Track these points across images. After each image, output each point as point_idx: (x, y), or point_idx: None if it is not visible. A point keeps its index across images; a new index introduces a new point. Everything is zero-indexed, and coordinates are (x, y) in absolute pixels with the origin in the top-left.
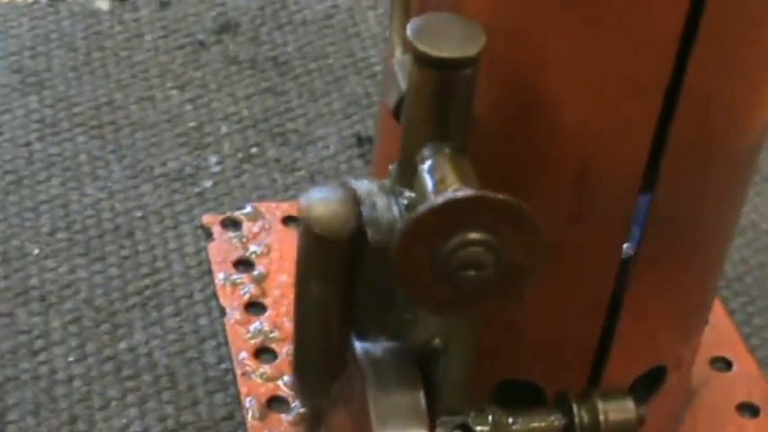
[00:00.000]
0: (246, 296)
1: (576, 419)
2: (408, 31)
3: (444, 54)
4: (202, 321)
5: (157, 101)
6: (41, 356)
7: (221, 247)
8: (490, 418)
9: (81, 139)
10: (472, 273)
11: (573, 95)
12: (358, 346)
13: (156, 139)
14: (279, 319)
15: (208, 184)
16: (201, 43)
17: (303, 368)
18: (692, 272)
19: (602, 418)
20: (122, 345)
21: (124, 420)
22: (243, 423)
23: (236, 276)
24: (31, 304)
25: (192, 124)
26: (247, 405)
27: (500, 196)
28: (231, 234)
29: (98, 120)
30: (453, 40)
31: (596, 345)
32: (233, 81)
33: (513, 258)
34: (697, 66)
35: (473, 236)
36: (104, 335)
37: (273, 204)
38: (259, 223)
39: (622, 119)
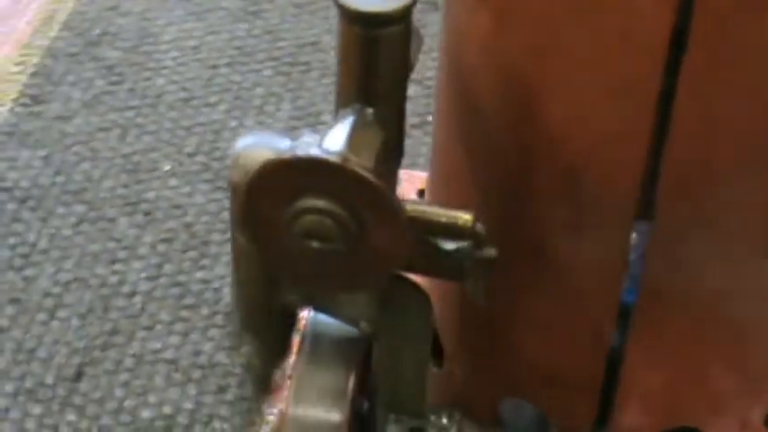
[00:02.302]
0: None
1: None
2: None
3: (365, 9)
4: None
5: None
6: (117, 266)
7: None
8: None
9: (267, 73)
10: (316, 243)
11: (564, 97)
12: (311, 316)
13: None
14: None
15: None
16: (435, 4)
17: (240, 313)
18: (713, 318)
19: None
20: (198, 274)
21: (159, 345)
22: None
23: None
24: (136, 215)
25: None
26: None
27: (356, 168)
28: None
29: (294, 58)
30: None
31: (602, 378)
32: None
33: (369, 239)
34: (690, 72)
35: (318, 203)
36: (187, 261)
37: (417, 174)
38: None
39: (615, 126)
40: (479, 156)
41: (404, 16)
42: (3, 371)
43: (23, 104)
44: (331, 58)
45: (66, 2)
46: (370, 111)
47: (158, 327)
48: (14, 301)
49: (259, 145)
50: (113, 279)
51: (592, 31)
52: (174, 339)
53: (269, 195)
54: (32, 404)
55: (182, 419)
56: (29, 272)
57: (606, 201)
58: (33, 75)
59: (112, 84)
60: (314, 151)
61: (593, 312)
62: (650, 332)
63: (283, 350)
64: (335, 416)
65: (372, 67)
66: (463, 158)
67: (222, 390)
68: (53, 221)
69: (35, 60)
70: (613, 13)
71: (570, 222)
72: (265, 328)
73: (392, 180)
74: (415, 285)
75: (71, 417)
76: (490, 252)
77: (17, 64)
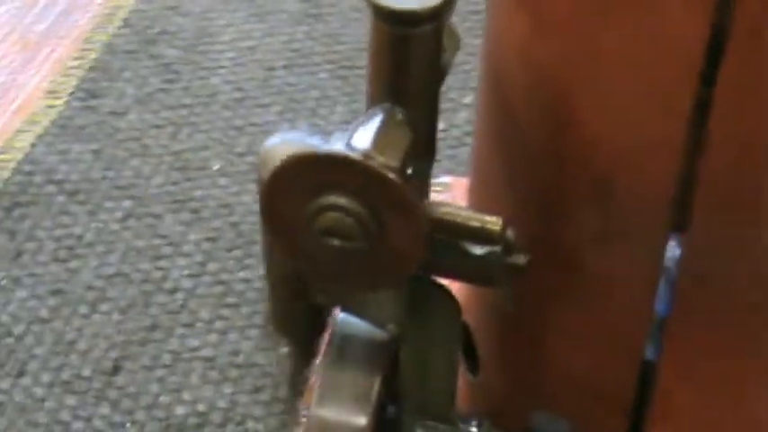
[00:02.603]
0: None
1: None
2: None
3: (396, 7)
4: None
5: None
6: (161, 262)
7: None
8: None
9: (323, 75)
10: (336, 241)
11: (597, 104)
12: (340, 317)
13: None
14: None
15: None
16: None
17: (272, 313)
18: (749, 337)
19: None
20: (241, 274)
21: (198, 342)
22: None
23: None
24: (183, 213)
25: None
26: None
27: (378, 167)
28: None
29: (351, 62)
30: None
31: (633, 393)
32: None
33: (388, 238)
34: (727, 82)
35: (339, 200)
36: (231, 260)
37: (465, 181)
38: (445, 195)
39: (648, 136)
40: (514, 163)
41: (435, 15)
42: (41, 361)
43: (79, 98)
44: None
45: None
46: (399, 111)
47: (198, 324)
48: (57, 292)
49: (287, 142)
50: (156, 275)
51: (624, 37)
52: (213, 338)
53: (290, 191)
54: (68, 395)
55: (215, 417)
56: (73, 264)
57: (639, 211)
58: (91, 69)
59: (167, 81)
60: (337, 148)
61: (626, 324)
62: (684, 348)
63: (315, 351)
64: (360, 419)
65: (403, 66)
66: (499, 166)
67: (258, 390)
68: (100, 215)
69: (94, 56)
70: (646, 18)
71: (603, 232)
72: (297, 328)
73: (423, 181)
74: (443, 289)
75: (105, 410)
76: (520, 259)
77: (76, 58)
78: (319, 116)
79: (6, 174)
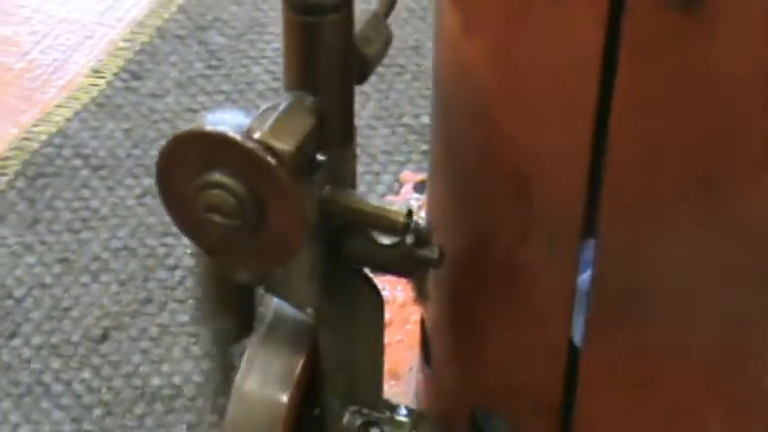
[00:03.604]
0: None
1: None
2: None
3: None
4: None
5: None
6: (168, 239)
7: None
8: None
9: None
10: (217, 218)
11: (516, 105)
12: (276, 302)
13: (428, 93)
14: None
15: None
16: None
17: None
18: (666, 356)
19: None
20: None
21: (186, 318)
22: None
23: None
24: None
25: None
26: None
27: (255, 148)
28: (415, 196)
29: (391, 60)
30: None
31: (560, 396)
32: None
33: (268, 220)
34: (623, 91)
35: (220, 179)
36: None
37: None
38: None
39: (557, 138)
40: (450, 160)
41: (342, 5)
42: (35, 324)
43: (122, 79)
44: (427, 63)
45: None
46: (309, 98)
47: (190, 301)
48: (63, 260)
49: (212, 121)
50: (161, 251)
51: (535, 39)
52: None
53: (181, 166)
54: (53, 358)
55: (188, 391)
56: (84, 235)
57: (553, 211)
58: (139, 52)
59: (210, 68)
60: (222, 128)
61: (549, 324)
62: (606, 349)
63: (246, 330)
64: (281, 396)
65: (312, 54)
66: (440, 163)
67: (234, 368)
68: (119, 191)
69: (144, 39)
70: (553, 22)
71: (523, 232)
72: (225, 306)
73: (343, 167)
74: (365, 278)
75: (86, 375)
76: (432, 252)
77: (126, 40)
78: None
79: (36, 145)
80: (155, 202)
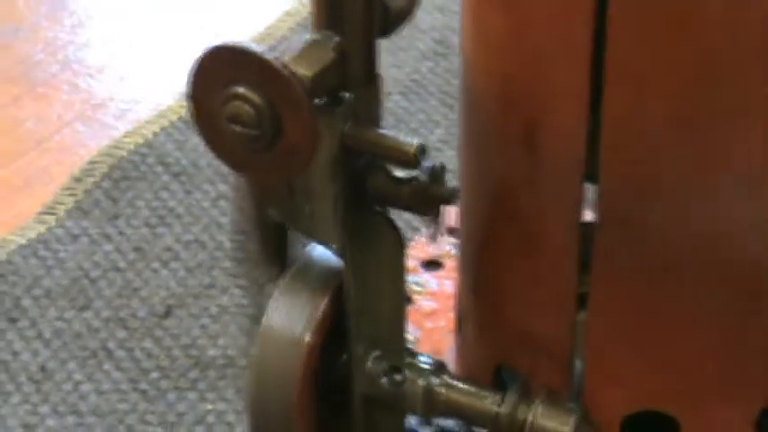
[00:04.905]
0: None
1: (505, 410)
2: None
3: None
4: None
5: None
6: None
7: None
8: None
9: (433, 102)
10: (238, 128)
11: (523, 52)
12: (312, 246)
13: None
14: None
15: None
16: None
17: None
18: (677, 295)
19: (530, 418)
20: None
21: (245, 302)
22: None
23: None
24: None
25: None
26: None
27: (272, 60)
28: None
29: None
30: None
31: (570, 345)
32: None
33: (284, 130)
34: (615, 29)
35: (239, 90)
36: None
37: None
38: None
39: (562, 83)
40: (468, 113)
41: None
42: (106, 300)
43: None
44: None
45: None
46: (334, 38)
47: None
48: (138, 249)
49: None
50: (228, 245)
51: None
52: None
53: (208, 81)
54: (119, 329)
55: (240, 361)
56: (159, 230)
57: (560, 157)
58: None
59: None
60: (244, 43)
61: (556, 272)
62: (609, 301)
63: (278, 272)
64: (302, 336)
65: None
66: (462, 119)
67: None
68: (196, 195)
69: None
70: None
71: (530, 174)
72: (260, 246)
73: (366, 105)
74: (386, 218)
75: (147, 344)
76: (444, 188)
77: None
78: (420, 135)
79: (123, 153)
80: (228, 204)
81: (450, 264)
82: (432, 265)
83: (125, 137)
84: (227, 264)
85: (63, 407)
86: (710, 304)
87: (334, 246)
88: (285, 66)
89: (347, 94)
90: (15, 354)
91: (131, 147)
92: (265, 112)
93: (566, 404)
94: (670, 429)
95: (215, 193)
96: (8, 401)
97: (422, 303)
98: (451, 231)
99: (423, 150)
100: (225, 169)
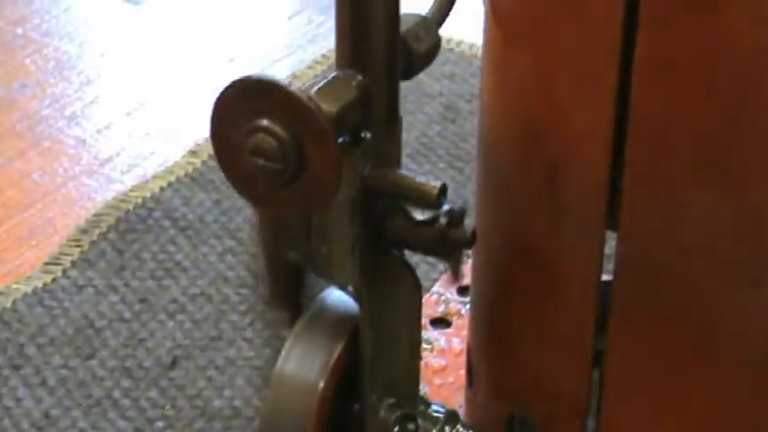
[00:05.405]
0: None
1: None
2: None
3: None
4: None
5: None
6: (244, 290)
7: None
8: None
9: (441, 165)
10: (261, 161)
11: (543, 92)
12: (329, 291)
13: None
14: None
15: None
16: None
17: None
18: (693, 355)
19: None
20: None
21: (253, 354)
22: None
23: None
24: None
25: None
26: None
27: (296, 92)
28: None
29: (471, 157)
30: None
31: (587, 394)
32: None
33: (307, 163)
34: (642, 68)
35: (263, 123)
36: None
37: None
38: None
39: (583, 124)
40: (487, 154)
41: None
42: (111, 350)
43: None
44: None
45: None
46: (357, 76)
47: (257, 341)
48: (144, 301)
49: None
50: (235, 299)
51: (556, 24)
52: (268, 352)
53: (232, 114)
54: (125, 379)
55: (248, 412)
56: (165, 282)
57: (580, 197)
58: None
59: None
60: (269, 76)
61: (575, 320)
62: (630, 350)
63: (294, 316)
64: (315, 382)
65: (361, 32)
66: (480, 160)
67: None
68: (202, 249)
69: None
70: (573, 6)
71: (551, 220)
72: (278, 289)
73: (387, 144)
74: (404, 261)
75: (152, 394)
76: (464, 232)
77: None
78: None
79: (130, 206)
80: (235, 259)
81: (459, 322)
82: (440, 323)
83: (132, 191)
84: (235, 317)
85: None
86: (729, 359)
87: (350, 288)
88: (310, 98)
89: (368, 135)
90: (18, 400)
91: (138, 200)
92: (289, 145)
93: None
94: None
95: (222, 247)
96: None
97: (430, 360)
98: (462, 290)
99: (445, 191)
100: (232, 225)
